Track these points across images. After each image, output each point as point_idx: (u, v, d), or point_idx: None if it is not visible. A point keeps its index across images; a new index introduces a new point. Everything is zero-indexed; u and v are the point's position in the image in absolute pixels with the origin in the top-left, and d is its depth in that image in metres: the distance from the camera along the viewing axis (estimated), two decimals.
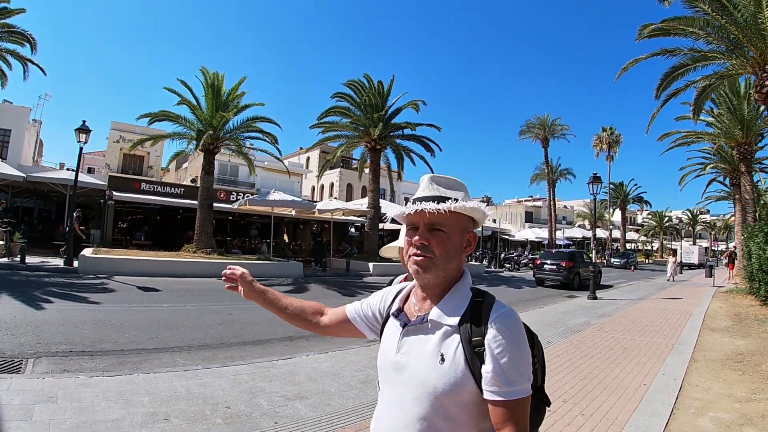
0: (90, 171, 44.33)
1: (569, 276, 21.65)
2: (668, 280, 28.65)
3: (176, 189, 28.66)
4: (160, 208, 28.34)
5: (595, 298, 16.16)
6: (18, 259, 15.85)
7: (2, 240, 17.50)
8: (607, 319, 11.62)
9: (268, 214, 23.66)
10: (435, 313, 1.37)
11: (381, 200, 28.40)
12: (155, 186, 27.99)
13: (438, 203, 1.34)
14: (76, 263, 15.81)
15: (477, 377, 1.26)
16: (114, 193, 24.68)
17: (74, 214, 18.00)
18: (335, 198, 43.15)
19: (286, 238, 34.20)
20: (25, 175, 22.80)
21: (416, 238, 1.39)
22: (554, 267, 22.18)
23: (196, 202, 24.85)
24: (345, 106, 26.38)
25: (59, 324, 8.01)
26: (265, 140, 23.06)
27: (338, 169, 48.08)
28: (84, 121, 17.62)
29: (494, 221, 46.17)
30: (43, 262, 16.68)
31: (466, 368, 1.27)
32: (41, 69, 23.11)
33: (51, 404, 4.29)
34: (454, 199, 1.37)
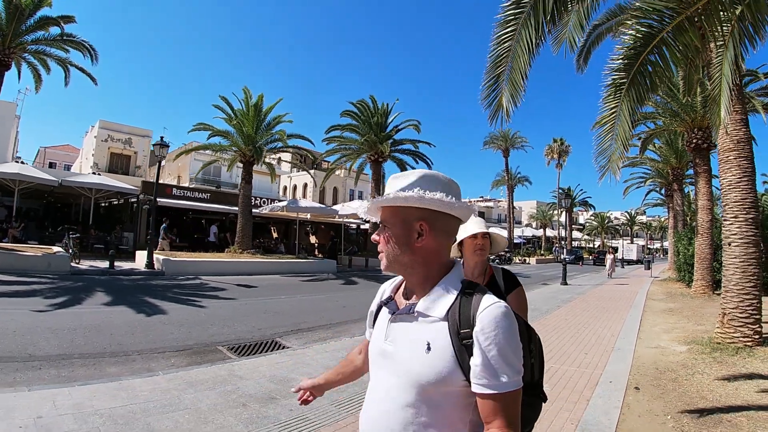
0: (51, 166, 44.08)
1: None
2: (608, 276, 28.86)
3: (203, 194, 31.03)
4: (189, 211, 30.41)
5: (566, 284, 21.40)
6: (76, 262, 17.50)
7: (69, 247, 18.77)
8: (583, 296, 16.81)
9: (282, 217, 27.10)
10: (422, 304, 1.38)
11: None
12: (185, 191, 30.29)
13: (370, 200, 1.44)
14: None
15: (465, 370, 1.27)
16: (159, 199, 26.63)
17: (164, 224, 21.03)
18: (309, 198, 46.46)
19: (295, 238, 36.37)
20: (59, 180, 23.78)
21: (373, 237, 1.47)
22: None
23: (221, 206, 28.67)
24: (353, 123, 30.16)
25: (242, 315, 10.43)
26: (289, 152, 26.89)
27: (312, 171, 48.97)
28: (162, 137, 19.95)
29: None
30: (92, 266, 17.94)
31: (454, 360, 1.28)
32: (93, 79, 21.70)
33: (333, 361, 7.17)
34: (388, 194, 1.40)
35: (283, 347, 7.80)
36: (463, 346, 1.28)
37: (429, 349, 1.30)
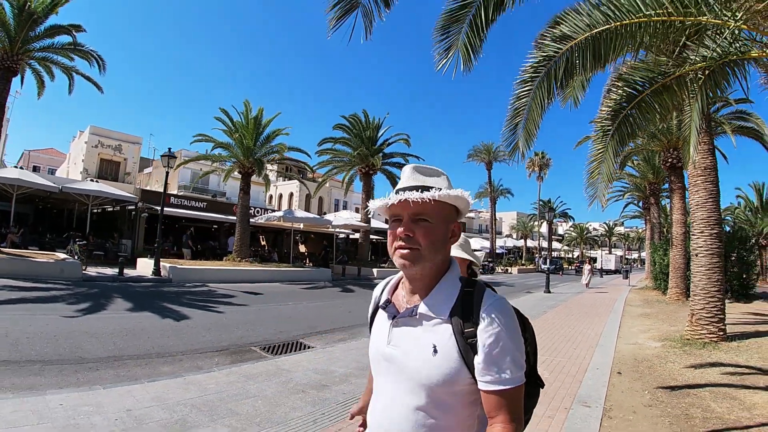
0: (35, 170, 43.75)
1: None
2: (586, 285, 28.68)
3: (199, 203, 31.50)
4: (181, 219, 30.36)
5: (550, 292, 22.71)
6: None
7: (75, 254, 19.10)
8: (566, 303, 18.08)
9: (272, 226, 27.97)
10: (425, 306, 1.37)
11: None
12: (182, 200, 30.58)
13: (422, 192, 1.33)
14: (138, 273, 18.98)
15: (471, 368, 1.29)
16: (153, 206, 27.08)
17: (188, 233, 22.16)
18: (294, 206, 47.02)
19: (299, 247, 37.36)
20: (60, 186, 23.53)
21: (401, 229, 1.36)
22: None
23: (217, 215, 29.42)
24: (345, 137, 31.07)
25: (260, 320, 11.23)
26: (285, 163, 27.79)
27: (296, 181, 47.59)
28: (170, 149, 20.65)
29: None
30: (99, 272, 18.39)
31: (460, 359, 1.29)
32: (99, 87, 21.66)
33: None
34: (438, 188, 1.36)
35: (309, 347, 8.52)
36: (468, 344, 1.29)
37: (435, 351, 1.31)
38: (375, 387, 1.50)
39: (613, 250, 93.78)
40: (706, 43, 5.66)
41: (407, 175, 1.46)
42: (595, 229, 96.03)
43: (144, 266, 21.10)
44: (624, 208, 45.12)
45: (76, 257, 18.73)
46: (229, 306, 13.24)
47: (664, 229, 32.20)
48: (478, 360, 1.27)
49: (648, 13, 5.44)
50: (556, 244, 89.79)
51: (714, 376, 6.80)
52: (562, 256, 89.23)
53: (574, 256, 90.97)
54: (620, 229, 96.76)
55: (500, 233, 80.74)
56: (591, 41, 5.90)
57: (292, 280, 22.28)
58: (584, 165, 8.21)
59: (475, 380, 1.29)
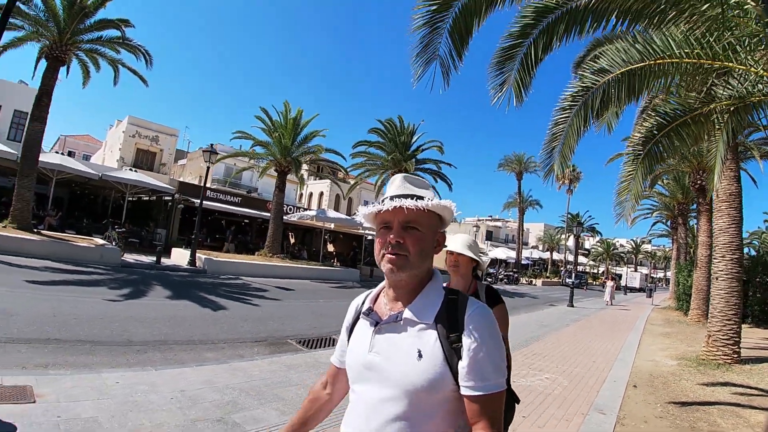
0: (70, 155, 43.04)
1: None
2: (606, 303, 27.55)
3: (235, 198, 32.61)
4: (217, 213, 31.46)
5: (573, 306, 23.02)
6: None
7: (113, 240, 19.96)
8: (588, 318, 18.39)
9: (301, 224, 28.80)
10: (410, 311, 1.38)
11: None
12: (217, 194, 31.26)
13: (415, 200, 1.36)
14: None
15: (455, 373, 1.29)
16: (189, 198, 28.44)
17: (232, 228, 22.63)
18: (324, 205, 47.77)
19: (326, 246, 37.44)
20: (100, 174, 24.71)
21: (391, 236, 1.38)
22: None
23: (250, 210, 30.16)
24: (380, 141, 31.51)
25: (293, 314, 11.89)
26: (320, 163, 28.47)
27: (328, 181, 48.64)
28: (211, 144, 21.43)
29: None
30: (137, 260, 19.01)
31: (445, 364, 1.29)
32: (143, 80, 21.83)
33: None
34: (429, 198, 1.39)
35: None
36: (452, 349, 1.30)
37: (420, 356, 1.31)
38: (352, 397, 1.49)
39: (639, 267, 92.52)
40: (731, 82, 6.11)
41: (398, 184, 1.48)
42: (622, 245, 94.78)
43: (178, 256, 21.83)
44: (652, 226, 44.93)
45: (113, 243, 19.40)
46: (263, 299, 13.76)
47: (691, 250, 32.13)
48: (463, 365, 1.29)
49: (680, 53, 5.92)
50: (582, 259, 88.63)
51: (724, 395, 7.20)
52: (588, 270, 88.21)
53: (600, 272, 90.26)
54: (647, 247, 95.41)
55: (526, 244, 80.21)
56: (626, 76, 6.39)
57: (321, 279, 22.81)
58: (614, 181, 8.80)
59: (458, 387, 1.30)
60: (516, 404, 1.88)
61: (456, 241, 2.87)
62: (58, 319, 7.80)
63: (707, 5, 4.99)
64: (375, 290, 1.58)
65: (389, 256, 1.37)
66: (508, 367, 1.90)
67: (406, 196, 1.38)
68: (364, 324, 1.49)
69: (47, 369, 5.46)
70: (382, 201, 1.41)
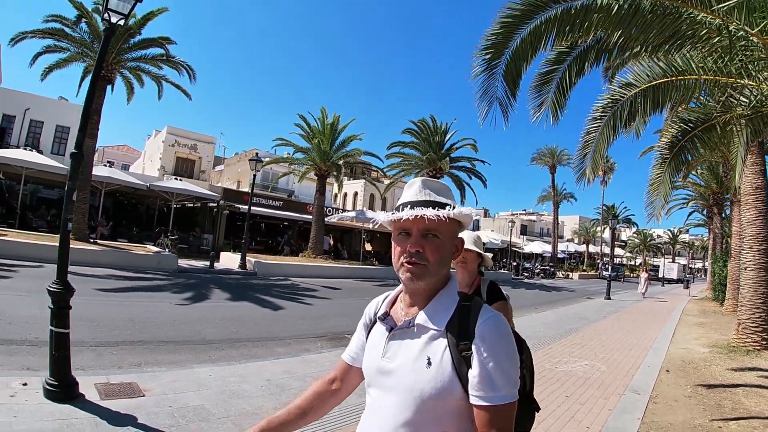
0: (110, 165, 43.80)
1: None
2: (642, 295, 27.76)
3: (276, 201, 33.83)
4: (256, 216, 31.98)
5: (610, 298, 23.51)
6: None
7: (167, 247, 20.82)
8: (625, 310, 18.99)
9: (339, 225, 29.59)
10: (422, 317, 1.36)
11: None
12: (260, 199, 32.16)
13: (435, 209, 1.32)
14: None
15: (464, 382, 1.26)
16: (234, 204, 29.80)
17: (288, 233, 23.69)
18: (358, 205, 48.65)
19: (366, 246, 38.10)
20: (148, 185, 26.48)
21: (410, 245, 1.35)
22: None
23: (291, 214, 31.22)
24: (414, 141, 32.19)
25: (344, 312, 12.23)
26: (359, 166, 29.38)
27: (362, 180, 48.78)
28: (256, 153, 22.77)
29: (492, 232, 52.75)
30: (191, 265, 19.75)
31: (453, 372, 1.27)
32: (187, 94, 22.58)
33: None
34: (451, 205, 1.37)
35: None
36: (462, 358, 1.27)
37: (429, 363, 1.29)
38: (367, 400, 1.46)
39: (676, 258, 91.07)
40: (745, 93, 6.81)
41: (416, 190, 1.43)
42: (659, 236, 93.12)
43: (227, 260, 22.87)
44: (688, 216, 44.50)
45: (167, 250, 20.36)
46: (314, 299, 14.55)
47: (726, 240, 32.09)
48: (473, 374, 1.25)
49: (698, 71, 6.65)
50: (618, 251, 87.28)
51: (750, 378, 7.89)
52: (625, 262, 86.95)
53: (637, 263, 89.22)
54: (685, 237, 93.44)
55: (562, 237, 79.58)
56: (651, 89, 7.15)
57: (363, 278, 23.68)
58: (648, 173, 9.57)
59: (468, 395, 1.27)
60: (536, 413, 1.86)
61: (463, 237, 2.98)
62: (136, 323, 8.47)
63: (717, 38, 5.67)
64: (392, 293, 1.57)
65: (407, 265, 1.34)
66: (531, 376, 1.94)
67: (426, 203, 1.35)
68: (379, 329, 1.48)
69: (141, 367, 6.01)
70: (402, 207, 1.39)
